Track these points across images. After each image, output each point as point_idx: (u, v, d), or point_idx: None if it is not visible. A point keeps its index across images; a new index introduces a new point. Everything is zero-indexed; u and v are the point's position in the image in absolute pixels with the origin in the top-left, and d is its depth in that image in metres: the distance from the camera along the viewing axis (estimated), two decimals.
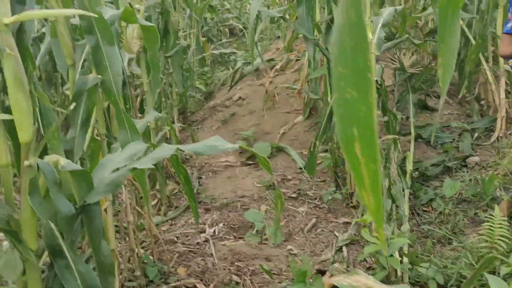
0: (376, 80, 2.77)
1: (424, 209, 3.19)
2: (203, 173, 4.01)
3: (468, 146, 3.72)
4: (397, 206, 2.90)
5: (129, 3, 3.74)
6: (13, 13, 1.24)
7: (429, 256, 2.68)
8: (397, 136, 2.80)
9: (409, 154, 3.30)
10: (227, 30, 9.97)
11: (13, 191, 1.33)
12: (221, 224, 3.27)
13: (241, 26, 9.74)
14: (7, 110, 1.32)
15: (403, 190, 2.99)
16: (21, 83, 1.22)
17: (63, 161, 1.35)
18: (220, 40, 8.71)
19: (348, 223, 3.16)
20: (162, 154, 1.49)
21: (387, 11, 2.90)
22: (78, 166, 1.36)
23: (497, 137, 3.78)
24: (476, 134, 3.87)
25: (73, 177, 1.38)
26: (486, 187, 3.07)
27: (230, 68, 5.71)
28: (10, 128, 1.33)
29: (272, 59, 5.01)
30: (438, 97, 4.49)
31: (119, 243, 2.74)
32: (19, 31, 1.28)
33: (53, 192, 1.32)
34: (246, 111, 4.52)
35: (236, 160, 4.12)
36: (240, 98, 4.68)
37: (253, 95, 4.67)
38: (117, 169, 1.52)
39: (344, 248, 2.86)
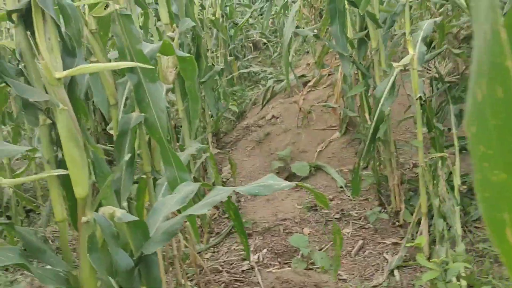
0: (420, 97, 2.68)
1: (476, 225, 3.06)
2: (241, 196, 3.95)
3: None
4: (448, 225, 2.78)
5: (156, 27, 3.75)
6: (64, 66, 1.21)
7: (487, 277, 2.56)
8: (446, 154, 2.69)
9: (455, 169, 3.18)
10: (250, 45, 9.95)
11: (69, 246, 1.29)
12: (264, 250, 3.20)
13: (264, 40, 9.74)
14: (61, 164, 1.29)
15: (454, 207, 2.88)
16: (75, 137, 1.19)
17: (118, 212, 1.30)
18: (244, 55, 8.70)
19: (396, 244, 3.05)
20: (217, 198, 1.43)
21: (426, 24, 2.82)
22: (134, 217, 1.31)
23: None
24: None
25: (128, 227, 1.34)
26: None
27: (260, 86, 5.67)
28: (64, 182, 1.29)
29: (303, 75, 4.95)
30: None
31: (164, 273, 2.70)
32: (71, 84, 1.24)
33: (111, 245, 1.27)
34: (280, 130, 4.46)
35: None
36: (273, 116, 4.62)
37: (286, 113, 4.60)
38: (170, 215, 1.47)
39: (396, 272, 2.76)
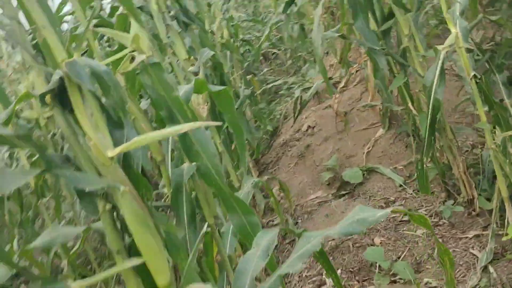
0: (475, 75, 2.46)
1: None
2: (297, 217, 3.75)
3: None
4: None
5: (170, 63, 3.61)
6: (114, 141, 1.05)
7: None
8: None
9: None
10: (260, 57, 9.81)
11: None
12: (339, 271, 2.99)
13: (275, 50, 9.62)
14: (131, 250, 1.12)
15: None
16: (144, 220, 1.02)
17: None
18: (257, 68, 8.55)
19: (479, 236, 2.81)
20: (310, 248, 1.25)
21: None
22: None
23: None
24: None
25: None
26: None
27: (288, 99, 5.47)
28: (139, 269, 1.12)
29: (330, 78, 4.75)
30: None
31: None
32: (125, 159, 1.08)
33: None
34: (320, 139, 4.26)
35: (327, 193, 3.84)
36: (309, 127, 4.43)
37: (322, 120, 4.41)
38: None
39: (490, 268, 2.52)
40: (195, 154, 1.75)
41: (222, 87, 2.24)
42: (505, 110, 2.60)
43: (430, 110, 2.55)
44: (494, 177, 3.09)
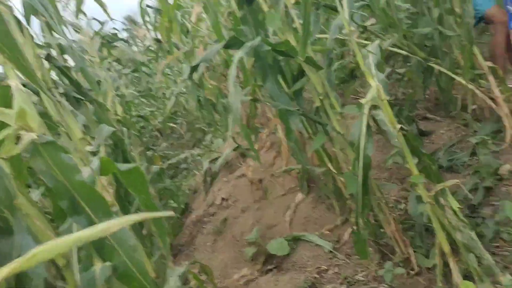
0: (401, 127, 2.34)
1: (496, 244, 2.72)
2: None
3: (490, 156, 3.35)
4: (476, 256, 2.41)
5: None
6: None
7: None
8: (446, 182, 2.35)
9: (446, 191, 2.85)
10: (156, 133, 9.58)
11: None
12: None
13: (171, 124, 9.44)
14: None
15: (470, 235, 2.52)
16: None
17: None
18: (153, 144, 8.25)
19: None
20: None
21: (373, 47, 2.54)
22: None
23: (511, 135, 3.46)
24: (489, 142, 3.53)
25: None
26: None
27: (196, 171, 5.16)
28: None
29: (238, 146, 4.53)
30: (424, 118, 4.17)
31: None
32: (19, 281, 0.71)
33: None
34: (237, 211, 3.96)
35: (253, 270, 3.50)
36: (223, 199, 4.13)
37: (236, 190, 4.13)
38: None
39: None
40: (110, 251, 1.38)
41: (131, 165, 1.90)
42: (434, 162, 2.50)
43: (361, 168, 2.38)
44: (426, 231, 2.98)
